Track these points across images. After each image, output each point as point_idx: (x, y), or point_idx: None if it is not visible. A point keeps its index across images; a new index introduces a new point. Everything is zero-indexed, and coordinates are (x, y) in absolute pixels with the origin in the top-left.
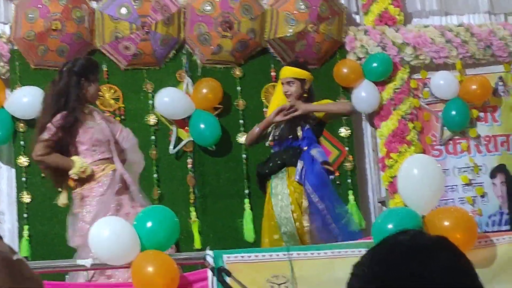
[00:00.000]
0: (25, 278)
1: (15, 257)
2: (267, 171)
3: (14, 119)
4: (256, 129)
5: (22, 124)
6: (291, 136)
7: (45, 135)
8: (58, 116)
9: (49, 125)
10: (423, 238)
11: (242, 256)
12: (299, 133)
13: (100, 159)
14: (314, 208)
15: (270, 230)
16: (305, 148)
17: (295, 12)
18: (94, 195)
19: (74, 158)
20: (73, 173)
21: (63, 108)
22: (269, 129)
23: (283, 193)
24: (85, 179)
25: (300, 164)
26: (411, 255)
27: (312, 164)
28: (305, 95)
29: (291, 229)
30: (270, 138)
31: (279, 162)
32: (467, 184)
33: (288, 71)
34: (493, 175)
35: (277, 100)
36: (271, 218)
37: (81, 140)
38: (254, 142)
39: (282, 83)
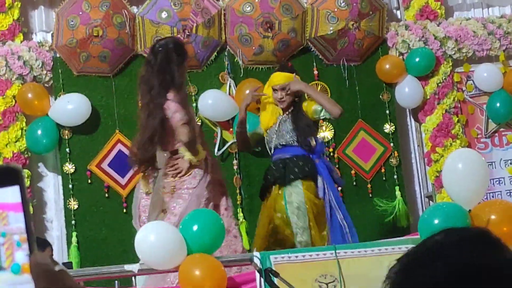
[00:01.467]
0: None
1: (57, 268)
2: (279, 179)
3: (59, 127)
4: (237, 129)
5: (67, 131)
6: (297, 144)
7: (179, 117)
8: (172, 94)
9: (169, 104)
10: (458, 233)
11: (289, 257)
12: (313, 143)
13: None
14: (336, 224)
15: (261, 236)
16: (317, 160)
17: (335, 9)
18: (186, 187)
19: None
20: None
21: (169, 84)
22: (267, 138)
23: (300, 201)
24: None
25: (320, 180)
26: (442, 253)
27: (330, 180)
28: (296, 99)
29: (307, 239)
30: (272, 146)
31: (296, 170)
32: None
33: (281, 77)
34: None
35: (269, 107)
36: (264, 225)
37: None
38: (245, 144)
39: (275, 89)
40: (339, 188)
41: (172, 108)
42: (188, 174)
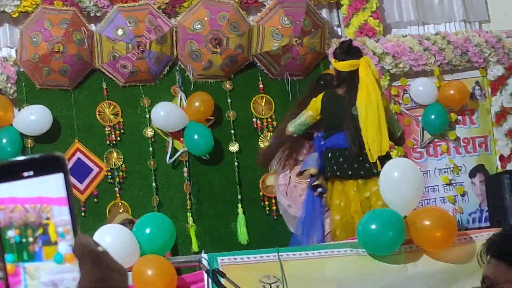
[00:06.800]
0: (111, 269)
1: (100, 249)
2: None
3: (23, 136)
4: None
5: (30, 140)
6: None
7: None
8: None
9: None
10: None
11: (235, 258)
12: None
13: None
14: None
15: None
16: None
17: (279, 27)
18: None
19: None
20: None
21: None
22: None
23: None
24: None
25: None
26: None
27: None
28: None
29: None
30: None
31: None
32: (447, 184)
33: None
34: (472, 174)
35: None
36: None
37: None
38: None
39: None
40: None
41: None
42: None
